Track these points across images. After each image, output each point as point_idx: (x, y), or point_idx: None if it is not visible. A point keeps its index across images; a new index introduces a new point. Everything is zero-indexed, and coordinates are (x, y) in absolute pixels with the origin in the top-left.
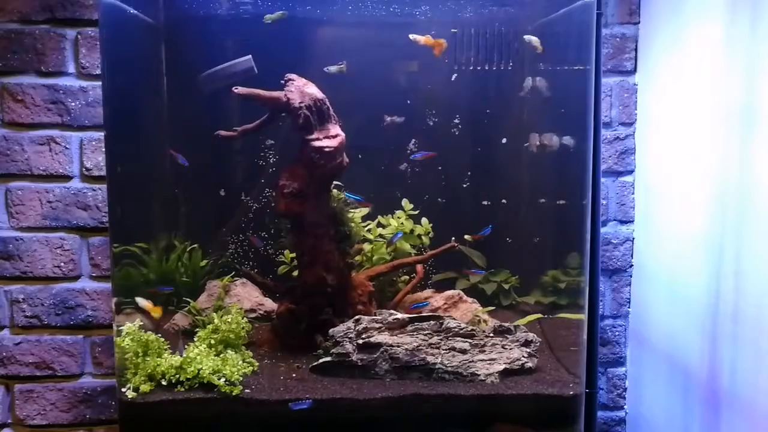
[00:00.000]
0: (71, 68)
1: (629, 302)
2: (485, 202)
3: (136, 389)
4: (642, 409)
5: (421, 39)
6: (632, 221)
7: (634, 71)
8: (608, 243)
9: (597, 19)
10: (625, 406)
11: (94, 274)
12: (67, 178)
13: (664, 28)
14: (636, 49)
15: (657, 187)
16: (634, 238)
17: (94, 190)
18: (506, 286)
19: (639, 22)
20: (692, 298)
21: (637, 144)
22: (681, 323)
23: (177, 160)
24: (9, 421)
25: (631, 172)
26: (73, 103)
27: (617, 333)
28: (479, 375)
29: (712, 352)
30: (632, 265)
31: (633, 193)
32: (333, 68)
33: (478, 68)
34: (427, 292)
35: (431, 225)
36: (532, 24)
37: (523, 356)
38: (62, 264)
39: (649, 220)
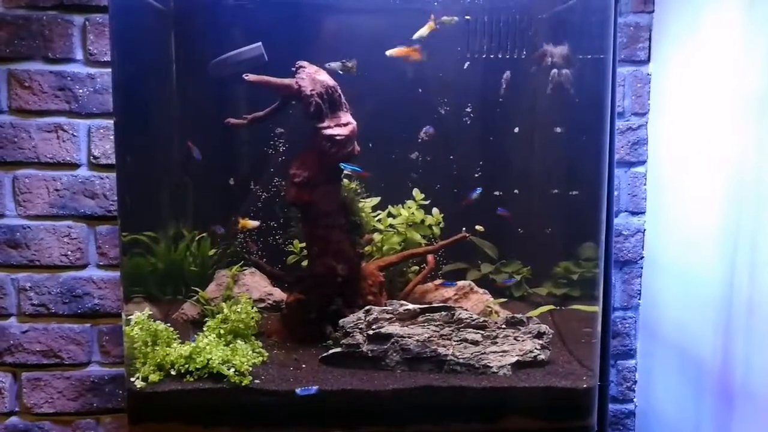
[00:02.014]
0: (79, 55)
1: (640, 294)
2: (497, 192)
3: (145, 379)
4: (652, 402)
5: (396, 52)
6: (644, 212)
7: (647, 61)
8: (619, 234)
9: (614, 7)
10: (634, 399)
11: (101, 263)
12: (75, 166)
13: (679, 16)
14: (650, 39)
15: (669, 178)
16: (645, 230)
17: (101, 178)
18: (518, 277)
19: (653, 11)
20: (705, 290)
21: (650, 134)
22: (693, 316)
23: (193, 152)
24: (16, 409)
25: (643, 162)
26: (80, 90)
27: (627, 325)
28: (491, 367)
29: (726, 346)
30: (643, 257)
31: (645, 184)
32: (334, 64)
33: (491, 56)
34: (438, 283)
35: (442, 215)
36: (549, 11)
37: (535, 348)
38: (69, 252)
39: (660, 211)
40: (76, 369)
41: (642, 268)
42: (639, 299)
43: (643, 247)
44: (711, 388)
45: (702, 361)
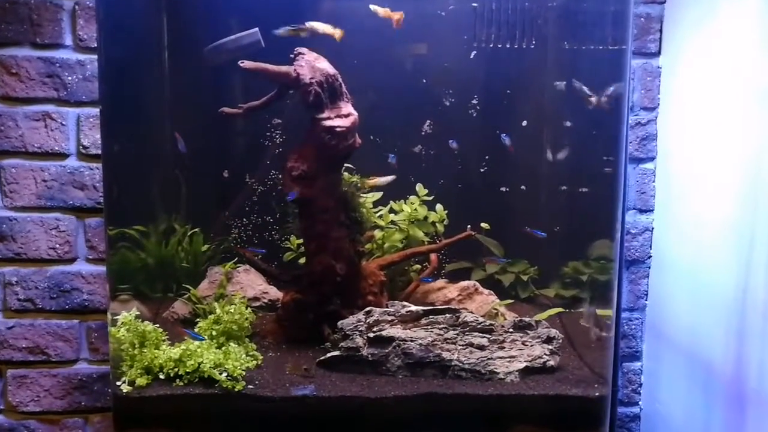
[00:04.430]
0: (68, 40)
1: (647, 295)
2: (503, 189)
3: (131, 383)
4: (658, 406)
5: (381, 11)
6: (652, 210)
7: (658, 53)
8: (627, 233)
9: None
10: (640, 402)
11: (90, 257)
12: (63, 156)
13: (691, 6)
14: (661, 30)
15: (680, 175)
16: (653, 228)
17: (91, 169)
18: (524, 278)
19: (665, 1)
20: (717, 291)
21: (659, 130)
22: (704, 318)
23: (178, 144)
24: (1, 407)
25: (652, 159)
26: (69, 77)
27: (633, 326)
28: (498, 373)
29: (738, 350)
30: (651, 256)
31: (654, 181)
32: (281, 31)
33: (499, 46)
34: (441, 282)
35: (446, 212)
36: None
37: (544, 354)
38: (57, 246)
39: (669, 209)
40: (63, 366)
41: (649, 267)
42: (646, 300)
43: (651, 246)
44: (722, 393)
45: (712, 365)
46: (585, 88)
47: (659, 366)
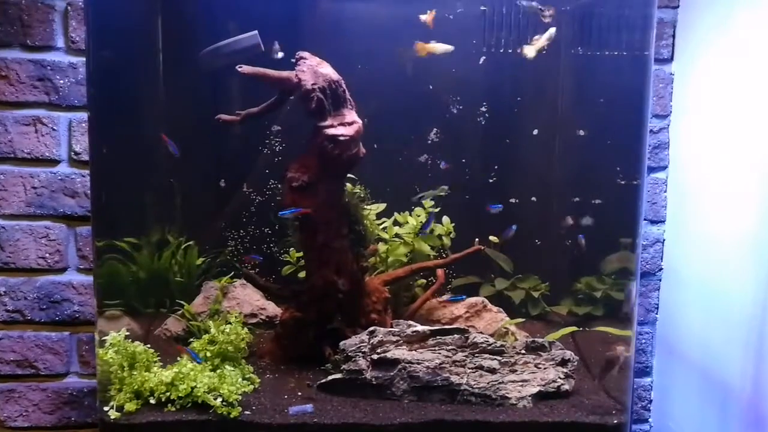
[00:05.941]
0: (60, 42)
1: (657, 308)
2: (513, 200)
3: (120, 408)
4: (669, 423)
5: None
6: (663, 221)
7: (670, 60)
8: None
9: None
10: (650, 419)
11: (81, 267)
12: (54, 162)
13: (706, 11)
14: (674, 36)
15: (693, 185)
16: (665, 240)
17: (82, 175)
18: (535, 294)
19: (678, 6)
20: (734, 307)
21: (671, 138)
22: (719, 335)
23: (169, 147)
24: None
25: (664, 168)
26: (61, 81)
27: (643, 341)
28: (510, 398)
29: (758, 370)
30: (662, 269)
31: (665, 191)
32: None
33: (509, 51)
34: (443, 299)
35: (453, 225)
36: (573, 3)
37: (559, 377)
38: (47, 255)
39: (682, 220)
40: (53, 380)
41: (660, 280)
42: (656, 313)
43: (662, 258)
44: (739, 413)
45: (728, 384)
46: (534, 3)
47: (670, 382)
